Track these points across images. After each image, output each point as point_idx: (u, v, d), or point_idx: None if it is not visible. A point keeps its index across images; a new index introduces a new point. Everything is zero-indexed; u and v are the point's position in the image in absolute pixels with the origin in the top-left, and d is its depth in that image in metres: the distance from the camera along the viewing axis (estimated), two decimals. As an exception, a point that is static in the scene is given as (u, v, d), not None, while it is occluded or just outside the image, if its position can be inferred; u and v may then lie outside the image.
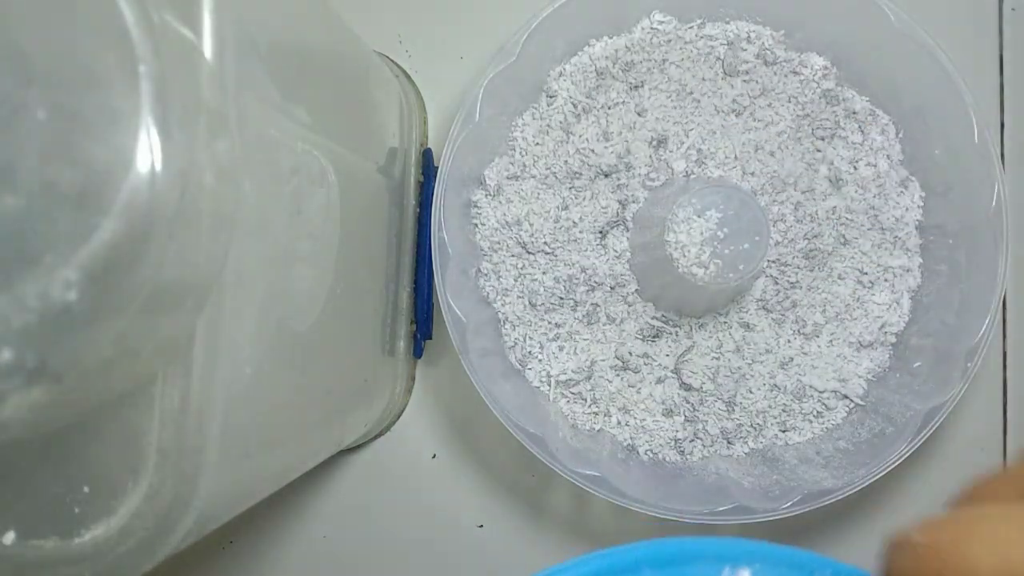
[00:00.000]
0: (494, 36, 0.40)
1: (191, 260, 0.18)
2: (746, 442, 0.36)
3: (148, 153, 0.16)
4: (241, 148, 0.19)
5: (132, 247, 0.16)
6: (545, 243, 0.36)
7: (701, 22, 0.37)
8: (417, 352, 0.40)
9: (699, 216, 0.33)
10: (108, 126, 0.16)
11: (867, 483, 0.33)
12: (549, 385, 0.36)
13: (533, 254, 0.37)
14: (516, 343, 0.36)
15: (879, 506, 0.39)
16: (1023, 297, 0.40)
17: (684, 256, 0.32)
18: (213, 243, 0.19)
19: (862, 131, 0.37)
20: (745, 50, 0.37)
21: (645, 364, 0.36)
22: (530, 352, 0.36)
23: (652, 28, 0.37)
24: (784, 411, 0.36)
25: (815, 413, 0.36)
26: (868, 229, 0.37)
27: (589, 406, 0.36)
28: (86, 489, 0.20)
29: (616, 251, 0.36)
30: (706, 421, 0.36)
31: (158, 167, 0.16)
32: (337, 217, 0.28)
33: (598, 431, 0.36)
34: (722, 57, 0.37)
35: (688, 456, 0.36)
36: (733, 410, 0.36)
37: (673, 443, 0.36)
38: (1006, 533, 0.13)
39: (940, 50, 0.34)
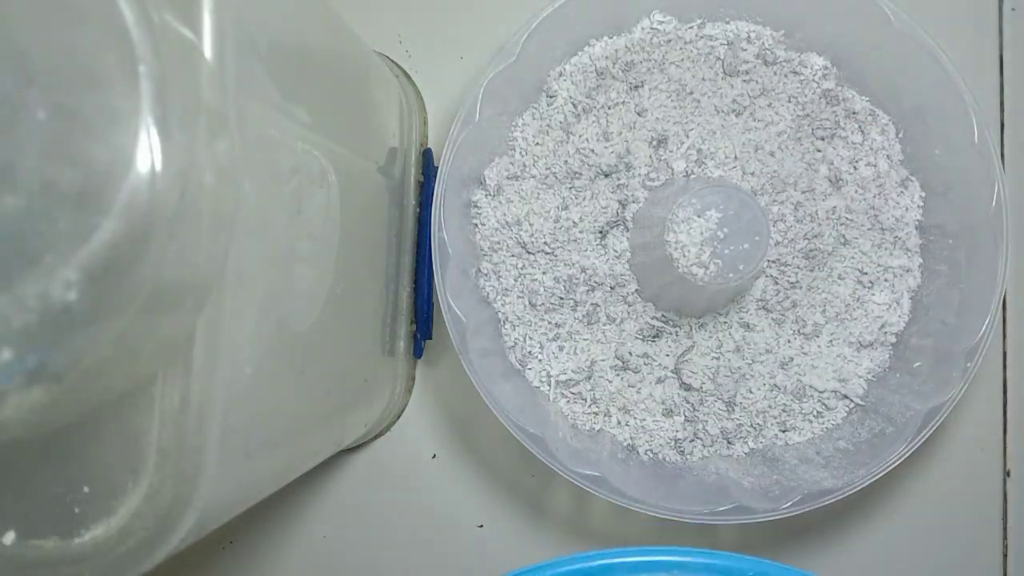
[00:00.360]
0: (494, 36, 0.40)
1: (191, 260, 0.18)
2: (746, 442, 0.36)
3: (148, 153, 0.16)
4: (241, 148, 0.19)
5: (132, 247, 0.16)
6: (545, 243, 0.36)
7: (701, 22, 0.37)
8: (417, 352, 0.40)
9: (699, 216, 0.33)
10: (108, 126, 0.16)
11: (867, 483, 0.33)
12: (549, 385, 0.36)
13: (533, 254, 0.37)
14: (516, 343, 0.36)
15: (879, 506, 0.39)
16: (1023, 297, 0.40)
17: (684, 256, 0.32)
18: (213, 243, 0.19)
19: (862, 131, 0.37)
20: (745, 50, 0.37)
21: (645, 364, 0.36)
22: (530, 352, 0.36)
23: (652, 28, 0.37)
24: (784, 411, 0.36)
25: (815, 413, 0.36)
26: (868, 229, 0.37)
27: (589, 406, 0.36)
28: (86, 489, 0.20)
29: (616, 251, 0.36)
30: (706, 421, 0.36)
31: (158, 167, 0.16)
32: (337, 217, 0.28)
33: (598, 431, 0.36)
34: (722, 57, 0.37)
35: (688, 456, 0.36)
36: (733, 410, 0.36)
37: (673, 443, 0.36)
38: None
39: (940, 50, 0.34)
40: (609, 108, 0.37)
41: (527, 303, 0.36)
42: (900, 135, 0.37)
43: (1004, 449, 0.40)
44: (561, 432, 0.35)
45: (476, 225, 0.37)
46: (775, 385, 0.36)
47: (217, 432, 0.20)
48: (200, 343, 0.20)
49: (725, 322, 0.36)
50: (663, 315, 0.36)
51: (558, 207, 0.37)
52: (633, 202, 0.36)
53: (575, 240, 0.36)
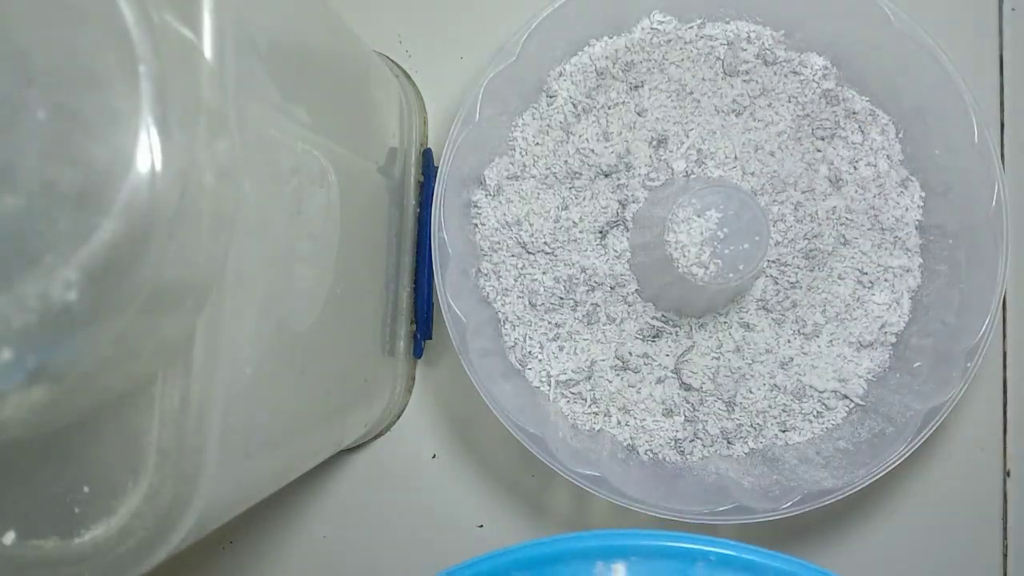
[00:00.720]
0: (494, 36, 0.40)
1: (191, 260, 0.18)
2: (746, 442, 0.36)
3: (148, 153, 0.16)
4: (241, 148, 0.19)
5: (132, 247, 0.16)
6: (545, 243, 0.36)
7: (701, 22, 0.37)
8: (417, 352, 0.40)
9: (699, 216, 0.33)
10: (108, 126, 0.16)
11: (867, 483, 0.33)
12: (549, 385, 0.36)
13: (533, 254, 0.37)
14: (516, 343, 0.36)
15: (879, 506, 0.39)
16: (1023, 297, 0.40)
17: (684, 256, 0.32)
18: (213, 243, 0.19)
19: (862, 131, 0.37)
20: (745, 50, 0.37)
21: (645, 364, 0.36)
22: (530, 352, 0.36)
23: (652, 28, 0.37)
24: (784, 411, 0.36)
25: (815, 413, 0.36)
26: (868, 229, 0.37)
27: (589, 406, 0.36)
28: (86, 489, 0.20)
29: (616, 251, 0.36)
30: (706, 421, 0.36)
31: (158, 167, 0.16)
32: (337, 217, 0.28)
33: (598, 431, 0.36)
34: (722, 57, 0.37)
35: (688, 456, 0.36)
36: (733, 410, 0.36)
37: (673, 443, 0.36)
38: None
39: (940, 50, 0.34)
40: (609, 108, 0.37)
41: (527, 303, 0.36)
42: (900, 135, 0.37)
43: (1004, 449, 0.40)
44: (561, 432, 0.35)
45: (476, 225, 0.37)
46: (775, 385, 0.36)
47: (217, 432, 0.20)
48: (200, 343, 0.20)
49: (725, 322, 0.36)
50: (663, 315, 0.36)
51: (558, 207, 0.37)
52: (633, 202, 0.36)
53: (575, 240, 0.36)
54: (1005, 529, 0.39)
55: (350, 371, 0.33)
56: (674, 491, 0.34)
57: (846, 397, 0.36)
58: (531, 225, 0.36)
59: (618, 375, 0.36)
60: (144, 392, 0.19)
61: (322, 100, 0.28)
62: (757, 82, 0.37)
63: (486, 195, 0.37)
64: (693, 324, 0.36)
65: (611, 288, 0.36)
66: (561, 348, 0.36)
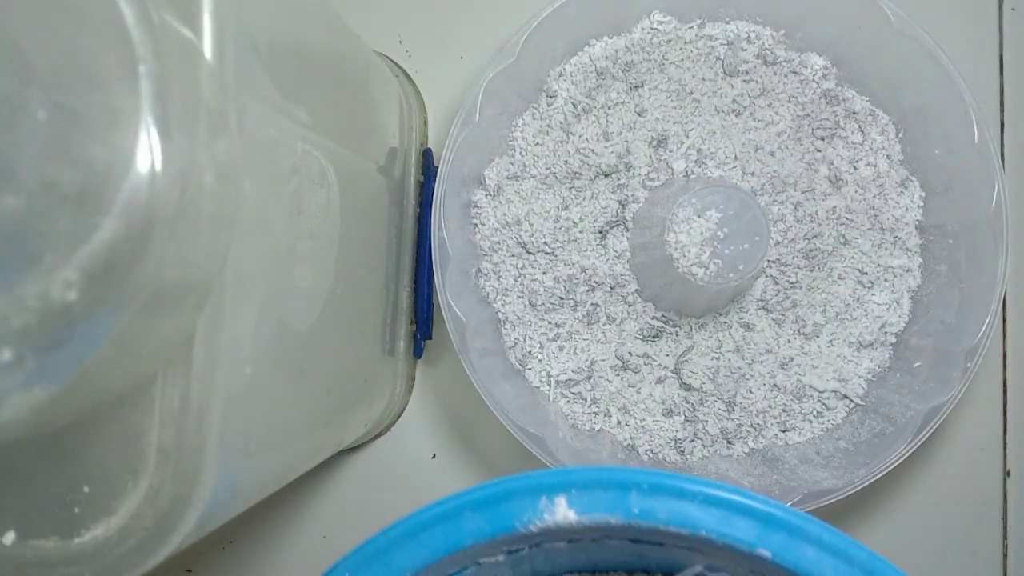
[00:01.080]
0: (494, 36, 0.40)
1: (191, 260, 0.18)
2: (746, 442, 0.36)
3: (148, 153, 0.16)
4: (241, 148, 0.19)
5: (132, 247, 0.16)
6: (545, 243, 0.36)
7: (701, 22, 0.37)
8: (417, 352, 0.40)
9: (699, 216, 0.33)
10: (108, 126, 0.16)
11: (867, 483, 0.33)
12: (549, 385, 0.36)
13: (533, 254, 0.37)
14: (516, 343, 0.36)
15: (879, 506, 0.39)
16: (1023, 297, 0.40)
17: (684, 256, 0.32)
18: (213, 243, 0.19)
19: (862, 131, 0.37)
20: (745, 50, 0.37)
21: (645, 364, 0.36)
22: (530, 352, 0.36)
23: (652, 28, 0.37)
24: (784, 411, 0.36)
25: (815, 413, 0.36)
26: (868, 229, 0.37)
27: (589, 406, 0.36)
28: (86, 489, 0.20)
29: (616, 251, 0.36)
30: (706, 421, 0.36)
31: (158, 167, 0.16)
32: (337, 217, 0.28)
33: (598, 431, 0.36)
34: (722, 57, 0.37)
35: (688, 456, 0.36)
36: (733, 410, 0.36)
37: (673, 443, 0.36)
38: None
39: (940, 50, 0.34)
40: (609, 108, 0.37)
41: (527, 303, 0.36)
42: (900, 135, 0.37)
43: (1004, 449, 0.40)
44: (561, 432, 0.35)
45: (476, 225, 0.37)
46: (775, 385, 0.36)
47: (217, 432, 0.20)
48: (200, 343, 0.20)
49: (725, 322, 0.36)
50: (663, 315, 0.36)
51: (558, 207, 0.37)
52: (633, 202, 0.36)
53: (575, 240, 0.36)
54: (1005, 529, 0.39)
55: (350, 371, 0.33)
56: (674, 491, 0.34)
57: (846, 397, 0.36)
58: (531, 225, 0.36)
59: (618, 375, 0.36)
60: (144, 392, 0.19)
61: (322, 100, 0.28)
62: (757, 82, 0.37)
63: (486, 195, 0.37)
64: (693, 324, 0.36)
65: (611, 288, 0.36)
66: (561, 348, 0.36)
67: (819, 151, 0.37)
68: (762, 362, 0.36)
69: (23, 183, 0.15)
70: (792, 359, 0.36)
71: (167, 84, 0.16)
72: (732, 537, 0.21)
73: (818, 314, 0.36)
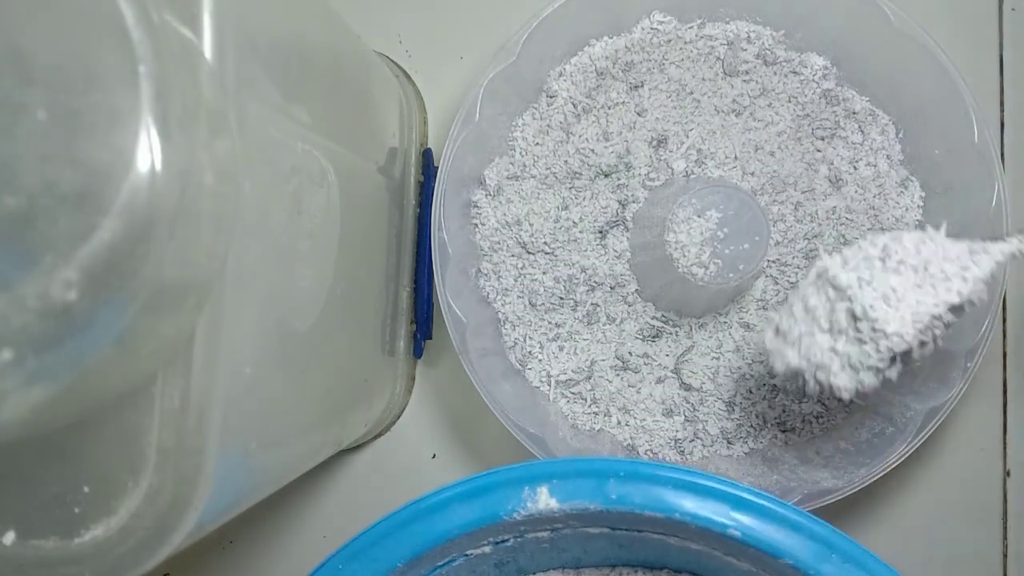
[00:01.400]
0: (494, 36, 0.40)
1: (191, 260, 0.18)
2: (746, 442, 0.36)
3: (148, 153, 0.16)
4: (241, 148, 0.19)
5: (132, 247, 0.16)
6: (545, 243, 0.36)
7: (701, 22, 0.37)
8: (417, 352, 0.40)
9: (699, 216, 0.33)
10: (108, 126, 0.16)
11: (867, 483, 0.33)
12: (549, 385, 0.36)
13: (533, 254, 0.37)
14: (516, 343, 0.36)
15: (879, 506, 0.39)
16: (1023, 297, 0.40)
17: (684, 256, 0.32)
18: (213, 243, 0.19)
19: (862, 131, 0.37)
20: (745, 50, 0.37)
21: (645, 364, 0.36)
22: (530, 352, 0.36)
23: (652, 28, 0.37)
24: (784, 411, 0.36)
25: (815, 413, 0.36)
26: (868, 229, 0.37)
27: (589, 406, 0.36)
28: (86, 489, 0.20)
29: (616, 251, 0.36)
30: (706, 421, 0.36)
31: (158, 167, 0.16)
32: (337, 217, 0.28)
33: (598, 431, 0.36)
34: (722, 57, 0.37)
35: (688, 456, 0.36)
36: (733, 410, 0.36)
37: (673, 443, 0.36)
38: None
39: (940, 50, 0.34)
40: (609, 108, 0.37)
41: (527, 303, 0.36)
42: (900, 135, 0.37)
43: (1004, 449, 0.40)
44: (561, 432, 0.35)
45: (476, 225, 0.37)
46: (775, 385, 0.36)
47: (217, 432, 0.20)
48: (200, 343, 0.20)
49: (725, 322, 0.36)
50: (663, 315, 0.36)
51: (558, 207, 0.37)
52: (633, 202, 0.36)
53: (575, 240, 0.36)
54: (1005, 529, 0.39)
55: (350, 371, 0.33)
56: (674, 491, 0.34)
57: (846, 397, 0.36)
58: (531, 225, 0.36)
59: (618, 375, 0.36)
60: (144, 392, 0.19)
61: (322, 100, 0.28)
62: (757, 82, 0.37)
63: (486, 195, 0.37)
64: (693, 324, 0.36)
65: (611, 288, 0.36)
66: (561, 348, 0.36)
67: (819, 151, 0.37)
68: (762, 362, 0.36)
69: (23, 183, 0.15)
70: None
71: (167, 84, 0.16)
72: (704, 519, 0.22)
73: (818, 314, 0.36)
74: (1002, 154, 0.40)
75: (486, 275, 0.37)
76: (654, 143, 0.37)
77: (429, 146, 0.41)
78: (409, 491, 0.40)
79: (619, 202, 0.36)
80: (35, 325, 0.15)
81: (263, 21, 0.23)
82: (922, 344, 0.27)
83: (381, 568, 0.23)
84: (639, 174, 0.36)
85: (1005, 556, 0.39)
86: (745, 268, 0.32)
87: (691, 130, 0.37)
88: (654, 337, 0.36)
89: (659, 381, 0.36)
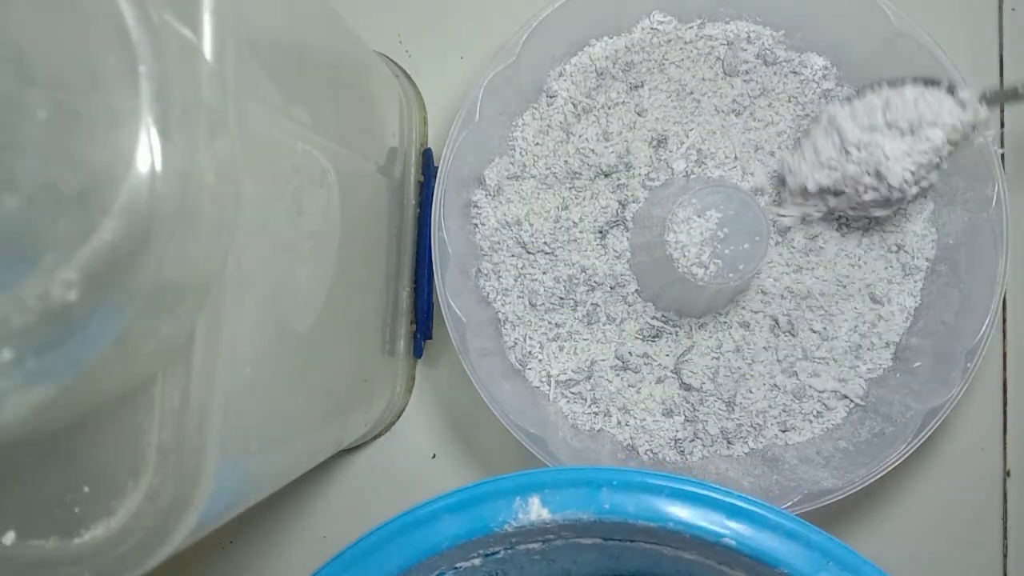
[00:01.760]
0: (494, 36, 0.40)
1: (191, 260, 0.18)
2: (746, 442, 0.36)
3: (148, 153, 0.16)
4: (241, 148, 0.19)
5: (132, 247, 0.16)
6: (545, 243, 0.36)
7: (701, 22, 0.37)
8: (417, 352, 0.40)
9: (699, 216, 0.33)
10: (108, 126, 0.16)
11: (867, 483, 0.33)
12: (549, 385, 0.36)
13: (533, 254, 0.37)
14: (516, 343, 0.36)
15: (879, 506, 0.39)
16: (1023, 297, 0.40)
17: (684, 256, 0.32)
18: (213, 243, 0.19)
19: (862, 131, 0.37)
20: (745, 50, 0.37)
21: (645, 364, 0.36)
22: (530, 352, 0.36)
23: (652, 28, 0.37)
24: (784, 411, 0.36)
25: (815, 413, 0.36)
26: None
27: (589, 406, 0.36)
28: (86, 489, 0.20)
29: (616, 251, 0.36)
30: (706, 421, 0.36)
31: (158, 167, 0.16)
32: (337, 217, 0.28)
33: (598, 431, 0.36)
34: (722, 57, 0.37)
35: (688, 456, 0.36)
36: (733, 410, 0.36)
37: (673, 443, 0.36)
38: None
39: (940, 50, 0.34)
40: (609, 108, 0.37)
41: (527, 303, 0.36)
42: (900, 135, 0.37)
43: (1004, 449, 0.40)
44: (561, 432, 0.35)
45: (476, 225, 0.37)
46: (775, 385, 0.36)
47: (217, 432, 0.20)
48: (200, 343, 0.20)
49: (725, 322, 0.36)
50: (663, 315, 0.36)
51: (558, 207, 0.37)
52: (633, 202, 0.36)
53: (575, 240, 0.36)
54: (1005, 529, 0.39)
55: (350, 371, 0.33)
56: (674, 491, 0.34)
57: (846, 397, 0.36)
58: (531, 225, 0.36)
59: (618, 375, 0.36)
60: (144, 392, 0.19)
61: (322, 100, 0.28)
62: (757, 82, 0.37)
63: (486, 195, 0.37)
64: (693, 324, 0.36)
65: (611, 288, 0.36)
66: (561, 348, 0.36)
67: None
68: (762, 362, 0.36)
69: (23, 183, 0.15)
70: (792, 359, 0.36)
71: (167, 84, 0.16)
72: (698, 528, 0.22)
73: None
74: (1002, 154, 0.40)
75: (486, 275, 0.37)
76: (654, 143, 0.37)
77: (429, 146, 0.41)
78: (409, 491, 0.40)
79: (619, 202, 0.36)
80: (35, 325, 0.15)
81: (263, 21, 0.23)
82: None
83: None
84: (639, 174, 0.36)
85: (1005, 556, 0.39)
86: (745, 268, 0.32)
87: (691, 130, 0.37)
88: (654, 337, 0.36)
89: (659, 381, 0.36)
